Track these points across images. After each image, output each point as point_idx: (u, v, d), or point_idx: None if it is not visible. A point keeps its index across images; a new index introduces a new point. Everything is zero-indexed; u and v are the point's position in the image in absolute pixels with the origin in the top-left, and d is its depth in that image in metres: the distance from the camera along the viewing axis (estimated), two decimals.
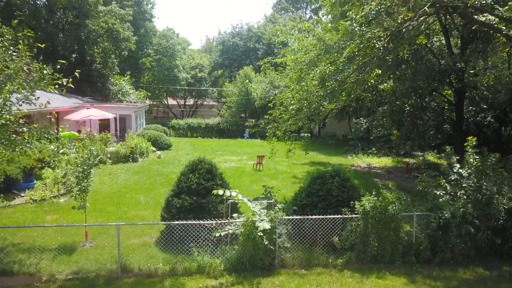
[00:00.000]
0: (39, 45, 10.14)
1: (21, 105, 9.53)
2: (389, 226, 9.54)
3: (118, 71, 39.03)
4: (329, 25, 14.53)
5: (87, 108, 24.20)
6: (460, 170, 10.53)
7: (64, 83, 10.22)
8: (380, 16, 11.15)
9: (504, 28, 11.50)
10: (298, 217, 9.60)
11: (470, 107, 21.98)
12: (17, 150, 9.44)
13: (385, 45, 11.51)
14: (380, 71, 11.29)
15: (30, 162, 10.84)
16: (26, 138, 9.54)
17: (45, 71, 9.88)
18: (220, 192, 8.55)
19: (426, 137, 20.44)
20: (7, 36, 9.22)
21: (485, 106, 21.26)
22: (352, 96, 12.59)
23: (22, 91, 9.26)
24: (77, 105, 26.20)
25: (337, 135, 38.90)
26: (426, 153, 24.76)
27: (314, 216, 9.63)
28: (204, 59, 58.51)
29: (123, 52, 37.05)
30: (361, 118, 25.35)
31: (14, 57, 9.31)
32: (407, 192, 17.95)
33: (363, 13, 11.24)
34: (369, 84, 12.41)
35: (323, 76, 11.54)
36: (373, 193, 9.78)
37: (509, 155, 14.47)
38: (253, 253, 8.90)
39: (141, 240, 10.85)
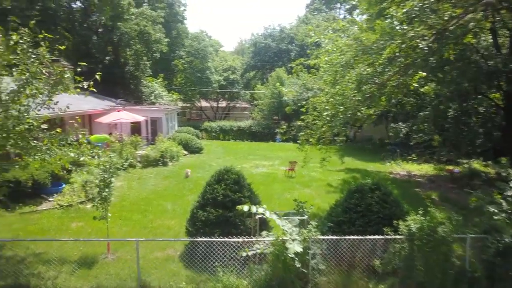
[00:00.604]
0: (60, 46, 9.71)
1: (40, 110, 9.13)
2: (439, 250, 8.42)
3: (151, 73, 39.09)
4: (364, 25, 13.48)
5: (118, 111, 24.08)
6: None
7: (85, 86, 9.81)
8: (424, 13, 10.04)
9: None
10: (334, 237, 8.65)
11: None
12: (36, 157, 9.05)
13: (430, 44, 10.40)
14: (424, 73, 10.15)
15: (54, 168, 10.47)
16: (45, 144, 9.12)
17: (66, 75, 9.48)
18: (246, 208, 7.75)
19: (474, 144, 18.86)
20: (25, 38, 8.81)
21: None
22: (393, 101, 11.50)
23: (39, 95, 8.83)
24: (109, 107, 26.20)
25: (374, 139, 37.31)
26: (471, 160, 23.05)
27: (352, 237, 8.66)
28: (236, 61, 58.12)
29: (154, 54, 37.05)
30: (400, 123, 23.94)
31: (32, 59, 8.90)
32: (453, 204, 16.58)
33: (404, 10, 10.18)
34: (412, 88, 11.25)
35: (360, 79, 10.53)
36: (420, 211, 8.67)
37: None
38: (283, 275, 8.04)
39: (164, 253, 10.22)
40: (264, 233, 8.71)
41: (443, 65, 14.85)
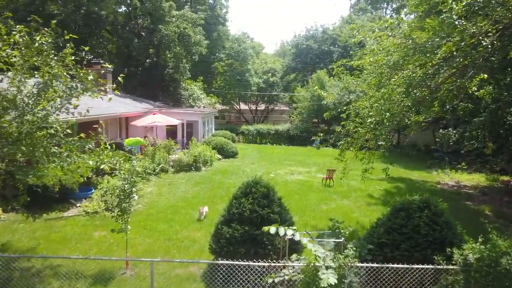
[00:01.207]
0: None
1: (59, 114, 8.62)
2: (502, 284, 7.06)
3: (190, 75, 38.97)
4: (413, 25, 12.11)
5: (153, 114, 23.82)
6: None
7: (107, 89, 9.23)
8: (490, 5, 8.64)
9: None
10: (375, 265, 7.47)
11: None
12: (54, 165, 8.54)
13: (494, 42, 8.97)
14: (485, 75, 8.75)
15: (74, 176, 9.96)
16: (65, 151, 8.59)
17: (89, 77, 8.91)
18: (273, 229, 6.74)
19: None
20: (46, 39, 8.30)
21: None
22: (448, 106, 10.12)
23: (58, 99, 8.31)
24: (146, 110, 26.05)
25: (419, 145, 35.18)
26: None
27: (396, 265, 7.45)
28: (277, 63, 57.21)
29: (194, 56, 36.84)
30: (449, 129, 22.04)
31: (55, 61, 8.39)
32: (510, 221, 14.81)
33: (465, 2, 8.82)
34: (470, 91, 9.83)
35: (410, 81, 9.26)
36: (480, 238, 7.33)
37: None
38: None
39: (186, 271, 9.42)
40: (294, 256, 7.68)
41: (506, 66, 13.16)
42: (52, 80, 8.00)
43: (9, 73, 8.19)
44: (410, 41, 9.39)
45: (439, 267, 7.31)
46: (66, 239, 11.12)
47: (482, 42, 8.65)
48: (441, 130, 23.68)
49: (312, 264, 6.98)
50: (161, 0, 32.90)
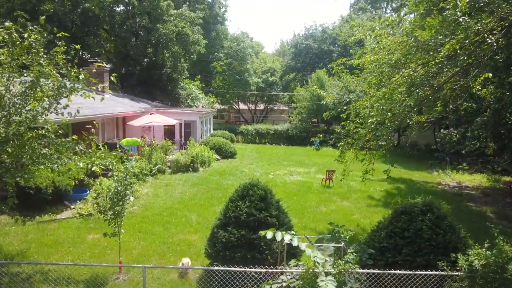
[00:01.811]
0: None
1: (47, 114, 8.32)
2: None
3: (188, 75, 38.66)
4: (414, 22, 11.80)
5: (151, 114, 23.51)
6: None
7: (100, 89, 8.92)
8: (494, 2, 8.36)
9: None
10: (376, 271, 7.17)
11: None
12: (42, 167, 8.24)
13: (500, 39, 8.69)
14: (490, 74, 8.46)
15: (65, 178, 9.69)
16: (54, 153, 8.29)
17: (81, 76, 8.60)
18: (269, 234, 6.46)
19: None
20: (35, 36, 7.99)
21: None
22: (451, 106, 9.83)
23: (46, 99, 8.00)
24: (143, 110, 25.74)
25: (419, 145, 34.90)
26: None
27: (399, 271, 7.15)
28: (276, 63, 56.92)
29: (192, 56, 36.51)
30: (451, 129, 21.76)
31: (43, 60, 8.07)
32: None
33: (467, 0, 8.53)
34: (474, 91, 9.54)
35: (412, 80, 8.97)
36: (486, 244, 7.04)
37: None
38: None
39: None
40: (292, 262, 7.42)
41: (510, 64, 12.86)
42: (39, 78, 7.67)
43: None
44: (412, 39, 9.10)
45: (443, 273, 7.02)
46: (59, 243, 10.82)
47: (487, 39, 8.38)
48: (442, 130, 23.39)
49: (311, 271, 6.69)
50: None
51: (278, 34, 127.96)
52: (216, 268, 7.05)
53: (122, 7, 36.86)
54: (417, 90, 9.05)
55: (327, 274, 6.59)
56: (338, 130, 10.83)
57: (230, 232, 8.37)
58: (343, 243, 7.75)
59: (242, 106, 55.51)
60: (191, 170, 20.37)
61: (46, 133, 8.33)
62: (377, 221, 9.26)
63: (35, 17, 9.01)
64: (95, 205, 13.03)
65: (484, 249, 6.91)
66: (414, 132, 10.96)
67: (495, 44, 8.41)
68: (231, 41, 48.55)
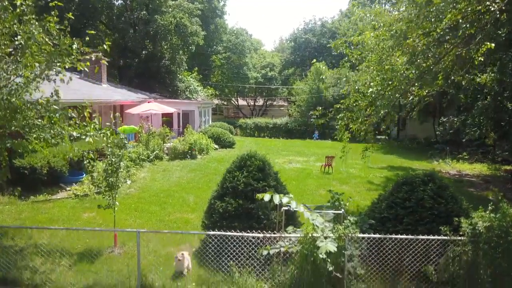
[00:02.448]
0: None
1: (39, 81, 8.09)
2: (511, 258, 6.60)
3: (186, 67, 38.38)
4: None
5: (148, 102, 23.30)
6: None
7: (93, 59, 8.74)
8: None
9: None
10: (377, 235, 6.99)
11: None
12: (34, 136, 8.02)
13: (503, 7, 8.51)
14: (493, 44, 8.26)
15: (60, 153, 9.47)
16: (46, 123, 8.06)
17: (74, 45, 8.38)
18: (267, 197, 6.27)
19: None
20: (27, 2, 7.79)
21: None
22: (453, 78, 9.63)
23: (37, 65, 7.77)
24: (141, 99, 25.50)
25: (419, 138, 34.72)
26: None
27: (400, 236, 6.97)
28: (275, 58, 56.70)
29: (190, 47, 36.19)
30: (451, 117, 21.57)
31: (33, 28, 7.83)
32: None
33: None
34: (476, 63, 9.33)
35: (414, 51, 8.78)
36: (489, 207, 6.86)
37: None
38: (312, 281, 6.51)
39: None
40: (290, 228, 7.23)
41: (510, 44, 12.65)
42: (27, 42, 7.44)
43: None
44: (414, 5, 8.90)
45: (445, 238, 6.84)
46: (53, 220, 10.61)
47: (491, 7, 8.19)
48: (442, 118, 23.21)
49: (310, 235, 6.51)
50: None
51: (277, 32, 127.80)
52: (212, 232, 6.88)
53: (120, 1, 36.66)
54: (419, 60, 8.85)
55: (326, 238, 6.42)
56: (338, 106, 10.58)
57: (227, 202, 8.19)
58: (343, 209, 7.57)
59: (241, 102, 55.31)
60: (189, 157, 20.17)
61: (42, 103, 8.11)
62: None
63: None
64: (91, 186, 12.94)
65: (488, 212, 6.73)
66: (415, 109, 10.72)
67: (498, 12, 8.22)
68: (230, 35, 48.33)
